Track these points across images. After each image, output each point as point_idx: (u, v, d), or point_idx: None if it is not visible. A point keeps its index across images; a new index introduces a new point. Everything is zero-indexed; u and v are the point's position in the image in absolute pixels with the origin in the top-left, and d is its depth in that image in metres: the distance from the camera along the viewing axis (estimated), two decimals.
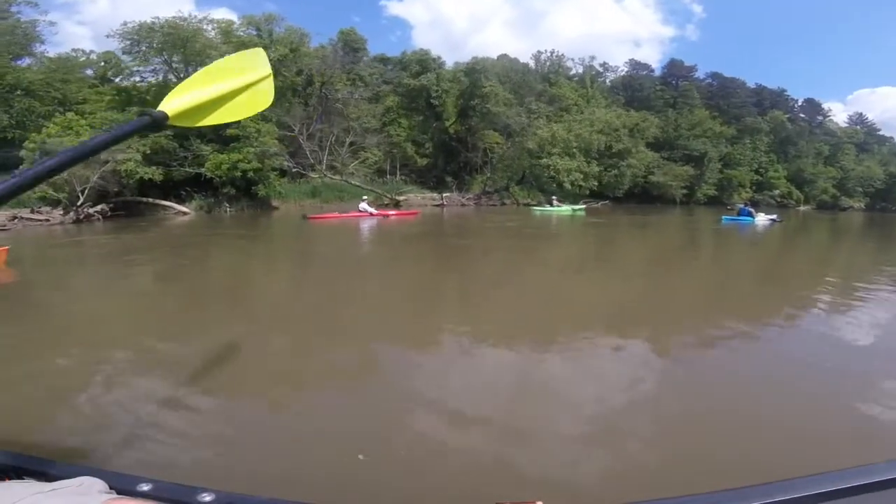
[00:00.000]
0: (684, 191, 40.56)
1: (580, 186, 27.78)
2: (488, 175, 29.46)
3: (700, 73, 49.56)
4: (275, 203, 22.84)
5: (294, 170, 21.56)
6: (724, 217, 20.32)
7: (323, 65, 25.28)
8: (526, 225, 17.71)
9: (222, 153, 20.80)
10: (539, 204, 28.77)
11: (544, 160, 26.81)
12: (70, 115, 21.68)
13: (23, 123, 21.77)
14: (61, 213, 18.40)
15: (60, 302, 5.76)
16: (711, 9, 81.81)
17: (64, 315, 5.10)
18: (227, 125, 21.61)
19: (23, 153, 18.81)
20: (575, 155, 27.61)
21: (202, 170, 20.46)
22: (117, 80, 24.36)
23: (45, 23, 27.19)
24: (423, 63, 28.44)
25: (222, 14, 61.51)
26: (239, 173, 20.21)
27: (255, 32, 22.39)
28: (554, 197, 26.13)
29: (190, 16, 20.63)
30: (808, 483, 0.79)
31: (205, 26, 21.52)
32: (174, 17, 20.24)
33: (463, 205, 25.44)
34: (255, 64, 1.55)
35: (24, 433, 2.25)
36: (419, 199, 24.82)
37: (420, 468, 2.17)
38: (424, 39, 78.50)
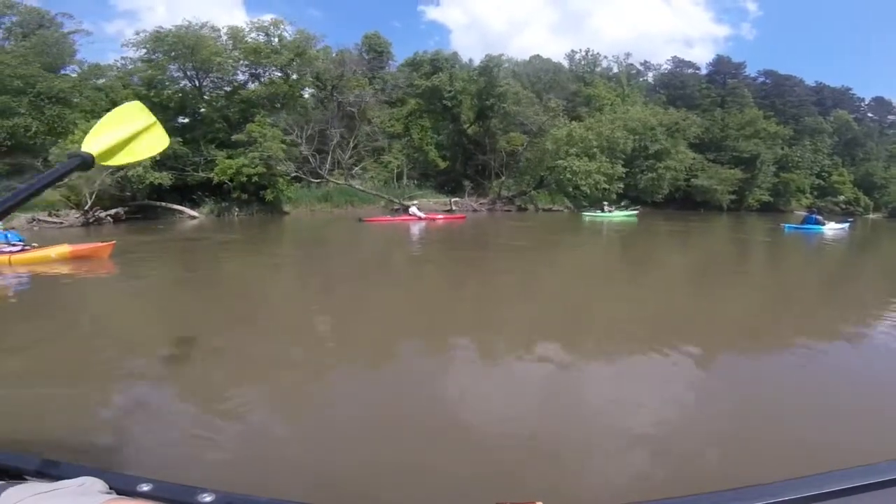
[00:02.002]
0: (732, 196, 37.18)
1: (605, 190, 25.66)
2: (503, 179, 27.94)
3: (752, 71, 45.84)
4: (286, 208, 22.62)
5: (293, 174, 21.06)
6: (786, 225, 17.95)
7: (336, 68, 24.86)
8: (544, 232, 16.44)
9: (231, 158, 20.76)
10: (568, 209, 27.20)
11: (560, 161, 24.93)
12: (94, 122, 22.35)
13: (54, 130, 22.60)
14: (77, 216, 18.86)
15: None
16: (768, 6, 76.19)
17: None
18: (235, 130, 21.68)
19: (50, 158, 19.39)
20: (595, 155, 25.48)
21: (211, 174, 20.44)
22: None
23: (83, 32, 28.68)
24: (436, 63, 27.37)
25: (270, 19, 63.89)
26: (244, 178, 20.03)
27: (263, 37, 22.25)
28: (605, 203, 24.69)
29: (191, 24, 20.71)
30: (808, 483, 0.80)
31: (213, 33, 21.56)
32: (177, 26, 20.40)
33: (475, 210, 24.11)
34: (140, 114, 1.80)
35: (24, 433, 2.23)
36: (431, 205, 23.80)
37: (427, 468, 2.13)
38: (463, 43, 77.39)
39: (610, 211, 23.38)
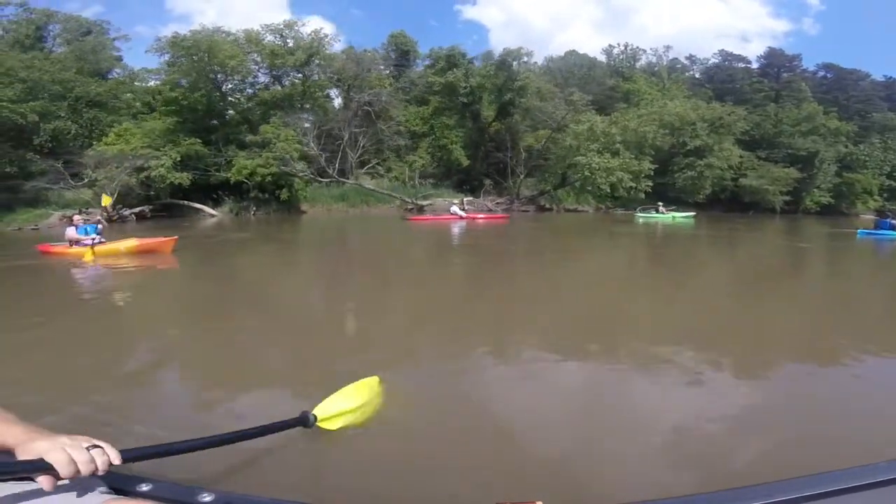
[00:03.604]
0: (786, 197, 33.83)
1: (631, 188, 23.90)
2: (521, 177, 26.59)
3: (810, 65, 42.05)
4: (303, 207, 22.67)
5: (301, 174, 20.91)
6: (859, 231, 15.92)
7: (352, 68, 24.70)
8: (586, 234, 15.74)
9: (251, 159, 20.98)
10: (600, 208, 25.75)
11: (580, 158, 23.31)
12: (126, 124, 23.25)
13: (92, 132, 23.67)
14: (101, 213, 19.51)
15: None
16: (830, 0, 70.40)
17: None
18: (250, 131, 21.90)
19: (85, 159, 20.21)
20: (619, 151, 23.64)
21: (228, 175, 20.70)
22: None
23: (123, 38, 30.12)
24: (452, 59, 26.49)
25: (315, 21, 66.14)
26: (260, 178, 20.17)
27: (278, 39, 22.48)
28: (660, 203, 23.65)
29: (204, 28, 21.25)
30: (808, 483, 0.80)
31: (228, 37, 21.98)
32: (193, 31, 20.95)
33: (490, 210, 23.05)
34: (372, 389, 2.37)
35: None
36: (445, 204, 23.09)
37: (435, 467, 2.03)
38: (502, 41, 76.25)
39: (664, 212, 22.44)
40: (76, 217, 9.13)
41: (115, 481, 0.94)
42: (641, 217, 22.13)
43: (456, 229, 15.57)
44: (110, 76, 27.95)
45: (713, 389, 2.94)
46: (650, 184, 24.73)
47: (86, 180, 19.14)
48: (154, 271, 7.61)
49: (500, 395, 2.87)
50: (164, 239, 8.96)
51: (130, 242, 8.81)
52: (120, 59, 29.59)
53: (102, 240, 8.78)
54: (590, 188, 23.62)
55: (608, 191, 23.65)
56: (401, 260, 9.95)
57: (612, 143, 23.40)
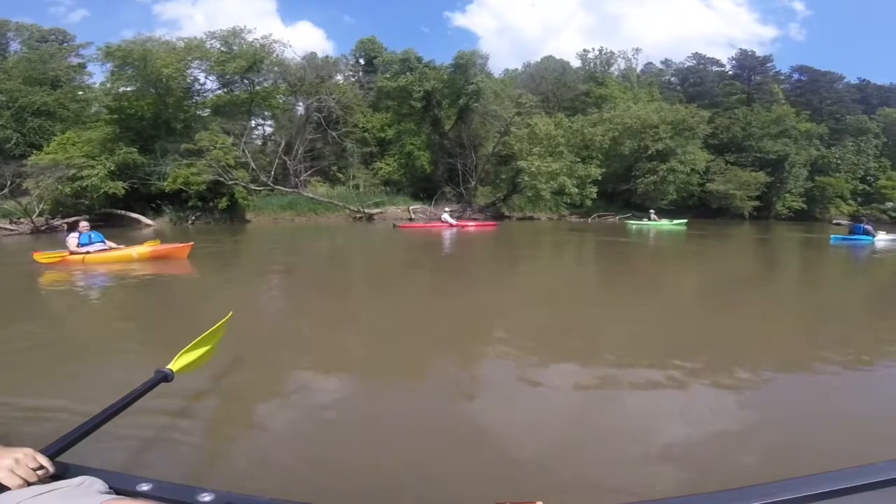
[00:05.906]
0: (756, 202, 33.40)
1: (579, 194, 23.25)
2: (473, 184, 25.92)
3: (784, 67, 41.92)
4: (248, 216, 22.07)
5: (232, 182, 20.22)
6: (832, 236, 15.61)
7: (304, 74, 24.10)
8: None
9: (185, 167, 20.34)
10: (563, 217, 25.20)
11: (521, 162, 22.65)
12: (69, 133, 22.60)
13: (36, 141, 23.02)
14: (27, 223, 18.91)
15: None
16: (817, 6, 70.28)
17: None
18: (188, 138, 21.32)
19: (25, 169, 19.60)
20: (562, 154, 22.92)
21: (163, 184, 20.07)
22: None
23: (83, 46, 29.51)
24: (407, 63, 25.73)
25: (305, 27, 65.63)
26: (196, 186, 19.54)
27: (223, 46, 21.94)
28: (651, 210, 23.86)
29: (138, 37, 20.91)
30: (808, 483, 0.80)
31: (164, 47, 21.51)
32: (126, 41, 20.58)
33: (439, 219, 22.41)
34: (218, 331, 2.48)
35: (23, 432, 2.19)
36: (398, 212, 22.46)
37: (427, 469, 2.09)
38: (493, 49, 75.54)
39: (656, 219, 22.69)
40: (82, 224, 8.92)
41: (115, 481, 0.93)
42: (634, 224, 22.32)
43: (446, 236, 15.99)
44: (74, 84, 27.42)
45: (703, 396, 2.99)
46: (595, 189, 24.18)
47: (5, 190, 18.48)
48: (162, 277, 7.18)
49: (505, 399, 2.92)
50: (178, 245, 8.84)
51: (143, 249, 8.64)
52: (84, 66, 28.99)
53: (106, 247, 8.63)
54: (531, 194, 23.04)
55: (548, 197, 23.06)
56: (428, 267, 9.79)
57: (556, 147, 22.81)
